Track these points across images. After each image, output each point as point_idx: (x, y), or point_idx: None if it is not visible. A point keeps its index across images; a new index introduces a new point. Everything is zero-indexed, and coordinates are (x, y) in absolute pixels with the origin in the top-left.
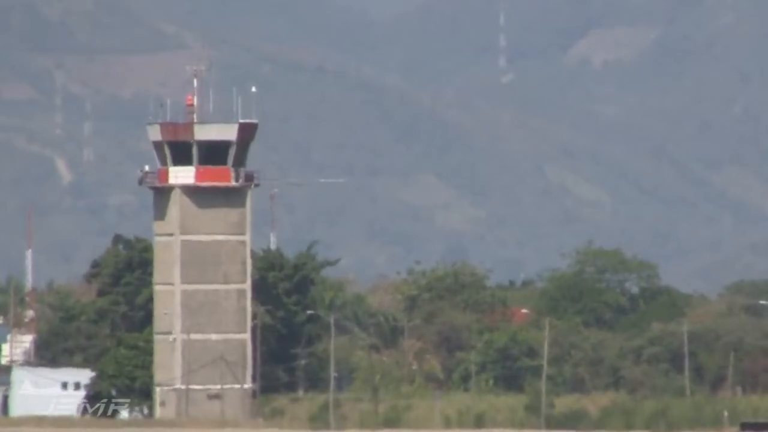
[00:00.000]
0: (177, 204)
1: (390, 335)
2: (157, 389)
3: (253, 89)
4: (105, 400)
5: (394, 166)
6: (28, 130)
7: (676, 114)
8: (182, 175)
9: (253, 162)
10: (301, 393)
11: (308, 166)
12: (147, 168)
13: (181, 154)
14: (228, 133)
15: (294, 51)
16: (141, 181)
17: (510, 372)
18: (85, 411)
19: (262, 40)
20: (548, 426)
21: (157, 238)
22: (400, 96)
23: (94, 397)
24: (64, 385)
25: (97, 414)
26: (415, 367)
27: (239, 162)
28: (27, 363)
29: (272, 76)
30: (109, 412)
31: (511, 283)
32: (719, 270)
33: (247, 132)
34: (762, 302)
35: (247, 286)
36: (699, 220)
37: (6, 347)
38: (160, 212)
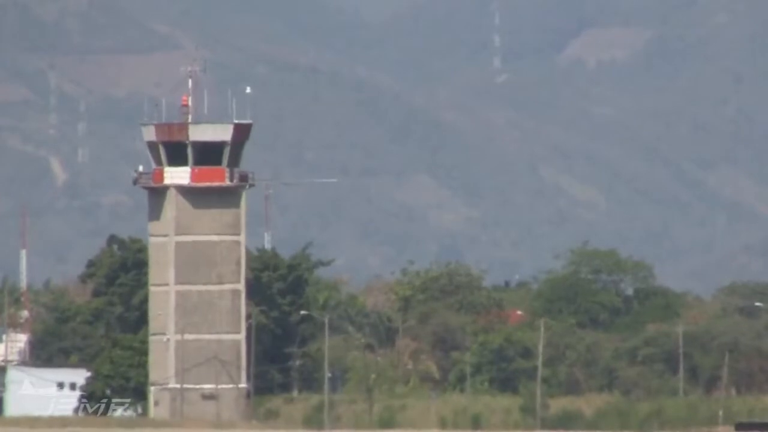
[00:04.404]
0: (172, 204)
1: (385, 335)
2: (152, 389)
3: (248, 90)
4: (105, 400)
5: (388, 166)
6: (22, 130)
7: (669, 114)
8: (177, 176)
9: (246, 162)
10: (295, 393)
11: (302, 166)
12: (141, 168)
13: (176, 154)
14: (223, 133)
15: (287, 51)
16: (136, 182)
17: (505, 373)
18: (84, 410)
19: (255, 40)
20: (543, 427)
21: (152, 239)
22: (394, 96)
23: (90, 397)
24: (60, 386)
25: (97, 413)
26: (410, 367)
27: (234, 162)
28: (22, 363)
29: (266, 76)
30: (109, 412)
31: (506, 284)
32: (713, 271)
33: (242, 132)
34: (756, 304)
35: (242, 286)
36: (692, 221)
37: (1, 347)
38: (155, 213)
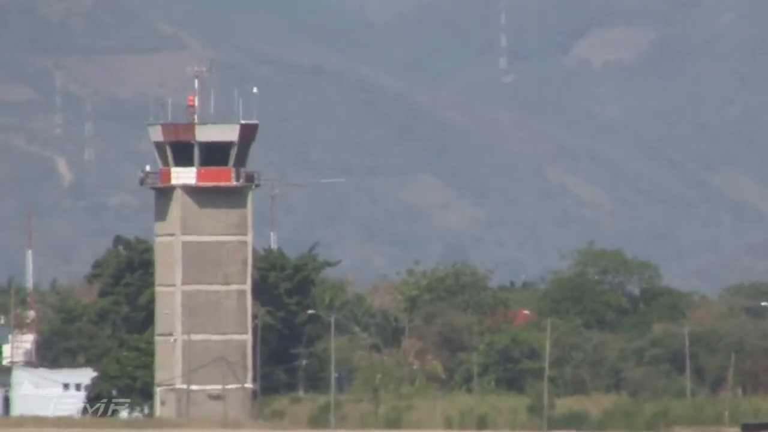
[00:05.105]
0: (178, 204)
1: (391, 335)
2: (158, 389)
3: (255, 90)
4: (105, 400)
5: (392, 167)
6: (27, 130)
7: (674, 114)
8: (183, 176)
9: (251, 162)
10: (301, 393)
11: (306, 166)
12: (148, 168)
13: (182, 154)
14: (229, 133)
15: (292, 51)
16: (142, 182)
17: (511, 373)
18: (85, 411)
19: (260, 40)
20: (550, 427)
21: (158, 239)
22: (399, 96)
23: (95, 397)
24: (66, 386)
25: (98, 414)
26: (415, 367)
27: (240, 162)
28: (28, 364)
29: (270, 76)
30: (109, 412)
31: (512, 283)
32: (718, 270)
33: (249, 133)
34: (763, 303)
35: (248, 286)
36: (697, 221)
37: (7, 348)
38: (161, 213)
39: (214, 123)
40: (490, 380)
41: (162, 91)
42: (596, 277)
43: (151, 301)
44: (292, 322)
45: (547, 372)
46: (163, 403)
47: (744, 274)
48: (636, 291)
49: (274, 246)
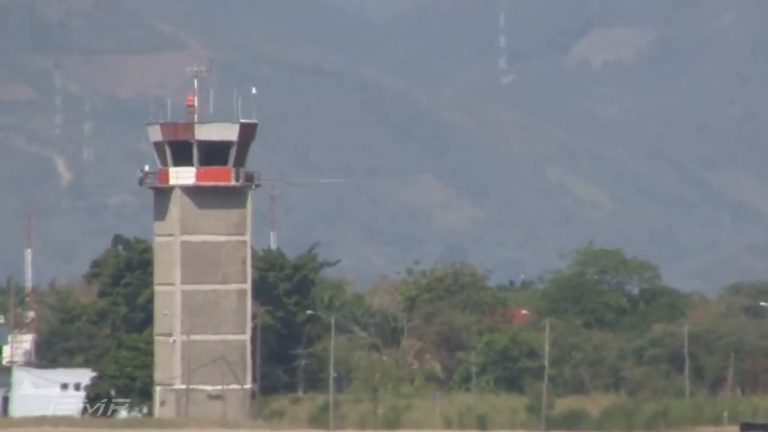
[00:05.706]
0: (177, 204)
1: (390, 335)
2: (157, 389)
3: (254, 90)
4: (105, 400)
5: (392, 167)
6: (27, 130)
7: (674, 114)
8: (183, 176)
9: (251, 162)
10: (300, 393)
11: (306, 166)
12: (147, 168)
13: (181, 154)
14: (229, 133)
15: (292, 51)
16: (141, 182)
17: (510, 373)
18: (84, 411)
19: (260, 40)
20: (549, 427)
21: (158, 239)
22: (399, 96)
23: (94, 397)
24: (65, 386)
25: (97, 414)
26: (414, 366)
27: (240, 162)
28: (27, 364)
29: (270, 76)
30: (109, 412)
31: (511, 283)
32: (718, 270)
33: (248, 132)
34: (762, 303)
35: (248, 286)
36: (697, 221)
37: (6, 348)
38: (160, 213)
39: (214, 122)
40: (489, 380)
41: (162, 91)
42: (596, 277)
43: (151, 301)
44: (292, 322)
45: (546, 372)
46: (162, 403)
47: (744, 274)
48: (635, 291)
49: (273, 246)
